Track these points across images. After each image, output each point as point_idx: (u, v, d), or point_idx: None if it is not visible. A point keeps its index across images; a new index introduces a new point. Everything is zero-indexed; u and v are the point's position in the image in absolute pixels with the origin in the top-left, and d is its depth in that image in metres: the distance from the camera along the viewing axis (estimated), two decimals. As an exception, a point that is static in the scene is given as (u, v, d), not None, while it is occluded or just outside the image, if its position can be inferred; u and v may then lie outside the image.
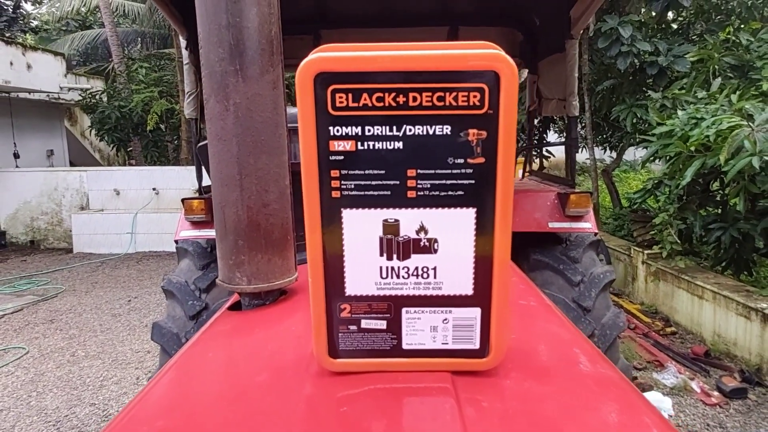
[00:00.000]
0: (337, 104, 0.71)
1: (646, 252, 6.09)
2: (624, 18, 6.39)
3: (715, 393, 4.19)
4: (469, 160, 0.73)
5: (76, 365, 4.98)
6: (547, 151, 8.28)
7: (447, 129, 0.72)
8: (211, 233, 3.06)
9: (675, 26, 7.37)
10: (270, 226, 1.26)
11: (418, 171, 0.74)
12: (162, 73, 13.17)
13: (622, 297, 6.43)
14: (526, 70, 4.34)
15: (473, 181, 0.74)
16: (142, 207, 10.07)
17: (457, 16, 4.06)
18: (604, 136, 8.35)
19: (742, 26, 6.55)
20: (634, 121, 6.63)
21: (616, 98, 7.10)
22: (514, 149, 0.73)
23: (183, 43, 3.41)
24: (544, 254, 3.11)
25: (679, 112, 5.16)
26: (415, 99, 0.71)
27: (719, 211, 5.52)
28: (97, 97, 12.44)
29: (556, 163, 8.97)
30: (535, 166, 8.24)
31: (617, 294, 6.51)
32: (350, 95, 0.71)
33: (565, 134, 3.78)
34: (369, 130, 0.72)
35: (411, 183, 0.74)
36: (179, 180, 10.13)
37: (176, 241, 3.26)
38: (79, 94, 12.50)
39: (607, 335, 2.89)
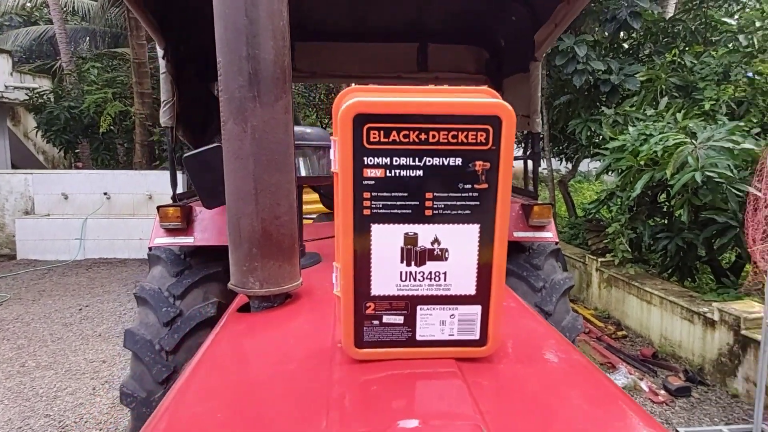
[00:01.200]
0: (371, 139, 0.88)
1: (599, 260, 6.44)
2: (579, 37, 6.77)
3: (662, 392, 4.50)
4: (476, 186, 0.91)
5: (27, 376, 4.81)
6: (507, 162, 8.60)
7: (459, 161, 0.90)
8: (186, 240, 3.09)
9: (626, 46, 7.84)
10: (281, 236, 1.41)
11: (434, 194, 0.91)
12: (115, 73, 12.66)
13: (577, 303, 6.77)
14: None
15: (478, 203, 0.92)
16: (92, 212, 9.66)
17: (427, 34, 4.25)
18: (561, 148, 8.75)
19: (687, 49, 7.04)
20: (589, 134, 7.01)
21: (572, 113, 7.47)
22: (510, 177, 0.92)
23: (160, 52, 3.46)
24: (509, 262, 3.27)
25: (630, 128, 5.52)
26: (434, 136, 0.88)
27: (666, 221, 5.90)
28: (45, 96, 11.90)
29: (515, 173, 9.32)
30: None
31: (573, 300, 6.85)
32: (382, 132, 0.87)
33: (524, 147, 4.02)
34: (396, 161, 0.89)
35: (428, 203, 0.92)
36: (132, 185, 9.78)
37: (150, 248, 3.27)
38: (26, 94, 11.90)
39: (566, 337, 3.12)
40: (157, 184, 9.66)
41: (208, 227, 3.01)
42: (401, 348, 0.98)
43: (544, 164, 8.64)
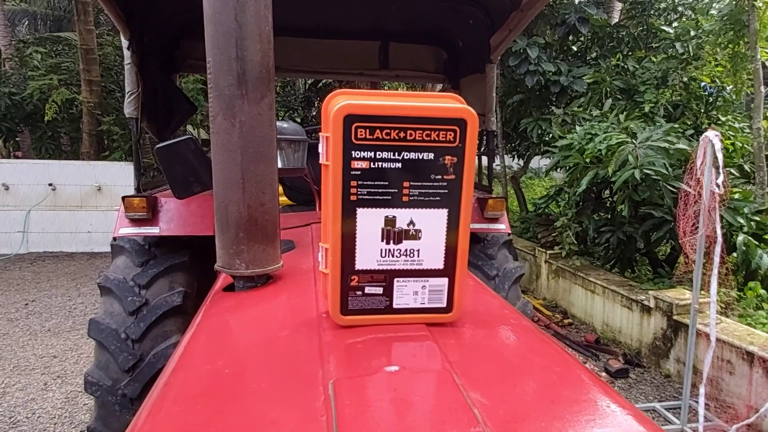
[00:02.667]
0: (358, 136, 1.04)
1: (548, 252, 6.78)
2: (532, 40, 7.10)
3: (603, 374, 4.84)
4: (445, 177, 1.09)
5: (-30, 373, 4.70)
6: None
7: (431, 155, 1.08)
8: (152, 231, 3.13)
9: (575, 49, 8.24)
10: (265, 222, 1.55)
11: (411, 183, 1.09)
12: (60, 59, 12.14)
13: (527, 293, 7.10)
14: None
15: (447, 191, 1.10)
16: (36, 204, 9.22)
17: (389, 33, 4.40)
18: (513, 145, 9.09)
19: (630, 54, 7.48)
20: (540, 133, 7.35)
21: (524, 112, 7.81)
22: (473, 170, 1.10)
23: (125, 42, 3.47)
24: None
25: (578, 128, 5.86)
26: (411, 135, 1.06)
27: (609, 216, 6.28)
28: (-19, 83, 11.29)
29: (469, 169, 9.61)
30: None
31: (524, 291, 7.17)
32: (368, 130, 1.04)
33: (479, 145, 4.24)
34: (379, 155, 1.06)
35: (405, 191, 1.09)
36: (80, 176, 9.35)
37: (114, 238, 3.29)
38: None
39: (517, 321, 3.37)
40: (106, 176, 9.33)
41: (174, 218, 3.06)
42: (380, 315, 1.15)
43: (497, 161, 8.98)
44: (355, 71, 4.70)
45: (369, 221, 1.09)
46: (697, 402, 3.72)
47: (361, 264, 1.12)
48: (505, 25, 3.44)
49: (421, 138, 1.06)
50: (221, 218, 1.54)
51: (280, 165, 2.01)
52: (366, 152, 1.05)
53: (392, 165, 1.07)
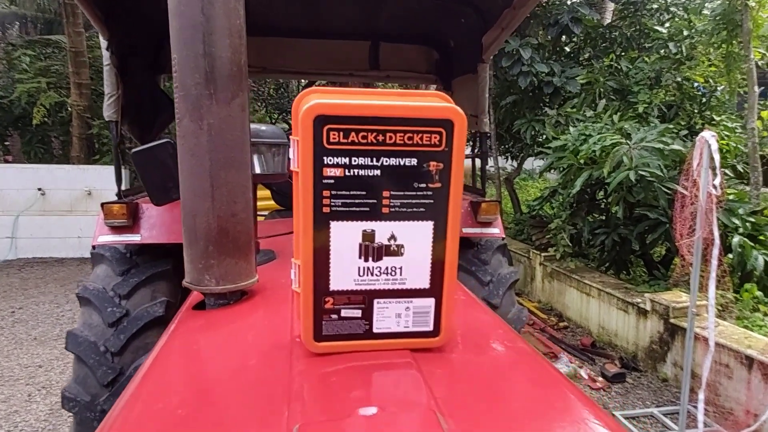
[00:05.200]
0: (331, 140, 0.91)
1: (542, 254, 6.69)
2: (525, 40, 7.00)
3: (600, 378, 4.75)
4: (430, 185, 0.97)
5: (-46, 383, 4.57)
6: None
7: (414, 161, 0.95)
8: (133, 238, 3.02)
9: (568, 50, 8.16)
10: (237, 233, 1.42)
11: (391, 192, 0.96)
12: (49, 62, 11.94)
13: (522, 296, 7.01)
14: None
15: (432, 201, 0.98)
16: (24, 209, 9.07)
17: (379, 33, 4.29)
18: (507, 146, 9.01)
19: (623, 54, 7.40)
20: (533, 134, 7.27)
21: (518, 113, 7.71)
22: (462, 177, 0.97)
23: (104, 43, 3.35)
24: (459, 257, 3.42)
25: (571, 129, 5.77)
26: (390, 138, 0.93)
27: (604, 217, 6.21)
28: (-31, 85, 11.26)
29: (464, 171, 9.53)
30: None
31: (518, 293, 7.07)
32: (341, 133, 0.91)
33: (473, 146, 4.15)
34: (354, 161, 0.93)
35: (385, 201, 0.96)
36: (69, 180, 9.19)
37: (94, 247, 3.17)
38: None
39: (513, 328, 3.26)
40: (96, 180, 9.14)
41: (155, 224, 2.94)
42: (359, 341, 1.03)
43: (490, 162, 8.88)
44: (345, 72, 4.58)
45: (344, 236, 0.97)
46: (695, 407, 3.62)
47: (336, 284, 0.99)
48: (497, 23, 3.34)
49: (402, 141, 0.93)
50: (189, 230, 1.41)
51: (258, 170, 1.87)
52: (340, 158, 0.93)
53: (370, 172, 0.94)
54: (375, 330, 1.03)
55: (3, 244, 8.99)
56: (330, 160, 0.93)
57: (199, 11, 1.32)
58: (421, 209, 0.98)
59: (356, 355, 1.01)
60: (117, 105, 3.37)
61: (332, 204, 0.95)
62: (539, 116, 7.20)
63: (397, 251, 1.00)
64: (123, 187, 3.41)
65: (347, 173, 0.94)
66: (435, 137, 0.94)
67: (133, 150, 2.86)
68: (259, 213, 3.69)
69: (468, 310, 1.39)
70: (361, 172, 0.94)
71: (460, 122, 0.94)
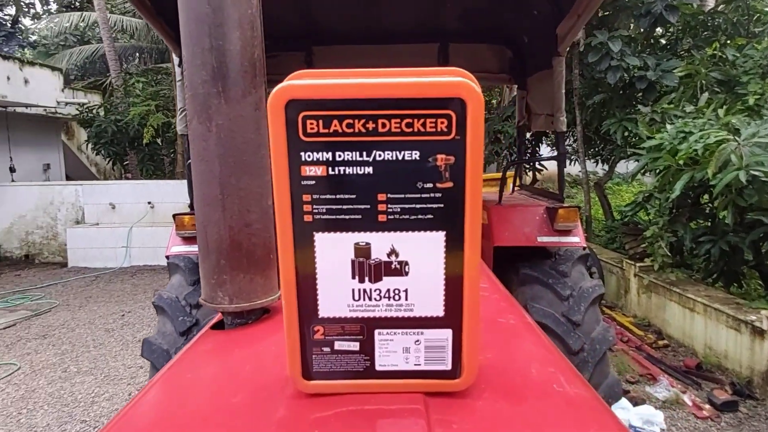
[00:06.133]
0: (308, 130, 0.73)
1: (638, 265, 6.12)
2: (613, 33, 6.48)
3: (707, 406, 4.19)
4: (438, 185, 0.75)
5: (68, 381, 4.93)
6: (540, 164, 8.35)
7: (416, 154, 0.74)
8: None
9: (663, 41, 7.48)
10: (252, 246, 1.27)
11: (389, 195, 0.75)
12: (159, 87, 13.20)
13: (615, 310, 6.44)
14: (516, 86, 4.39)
15: (442, 205, 0.76)
16: (137, 221, 10.02)
17: (447, 34, 4.11)
18: (596, 149, 8.42)
19: (728, 42, 6.65)
20: (625, 134, 6.70)
21: (607, 112, 7.17)
22: (481, 173, 0.75)
23: (176, 60, 3.43)
24: (533, 268, 3.13)
25: (668, 126, 5.21)
26: (384, 125, 0.73)
27: (709, 223, 5.56)
28: (94, 111, 12.46)
29: (549, 175, 9.03)
30: (528, 179, 8.29)
31: (610, 307, 6.53)
32: (321, 122, 0.72)
33: (554, 148, 3.83)
34: (339, 156, 0.74)
35: (381, 207, 0.76)
36: (175, 194, 10.08)
37: (167, 257, 3.26)
38: (77, 109, 12.54)
39: (596, 350, 2.90)
40: (198, 193, 9.99)
41: None
42: (358, 380, 0.82)
43: (577, 166, 8.33)
44: None
45: (332, 251, 0.77)
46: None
47: (326, 310, 0.80)
48: (572, 10, 3.03)
49: (399, 129, 0.73)
50: (201, 242, 1.28)
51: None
52: (320, 153, 0.74)
53: (360, 170, 0.74)
54: (378, 367, 0.82)
55: (119, 253, 9.87)
56: (309, 156, 0.74)
57: (205, 2, 1.20)
58: (429, 216, 0.76)
59: (354, 397, 0.81)
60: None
61: (315, 211, 0.76)
62: (631, 115, 6.61)
63: (400, 270, 0.78)
64: None
65: (331, 171, 0.74)
66: (442, 122, 0.72)
67: (189, 161, 2.87)
68: None
69: (515, 339, 1.14)
70: (349, 170, 0.74)
71: (476, 102, 0.72)
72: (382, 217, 0.76)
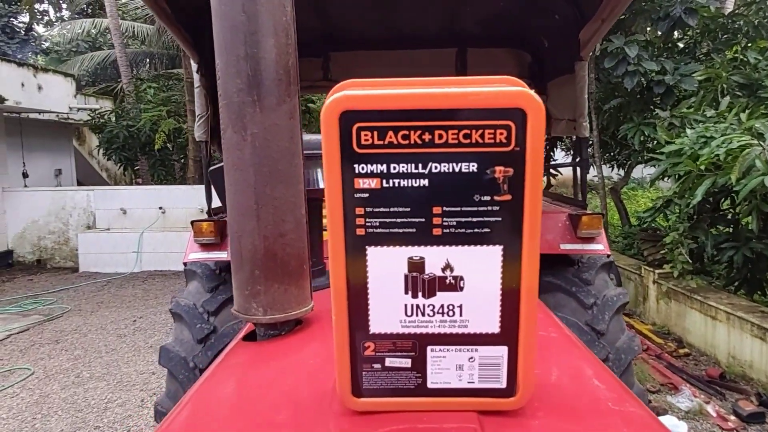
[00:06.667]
0: (363, 142, 0.71)
1: (657, 271, 6.03)
2: (630, 38, 6.42)
3: (732, 417, 4.10)
4: (496, 198, 0.72)
5: (81, 387, 4.95)
6: (555, 169, 8.28)
7: (473, 166, 0.72)
8: (220, 255, 3.06)
9: (681, 45, 7.40)
10: (286, 256, 1.25)
11: (444, 208, 0.73)
12: (170, 93, 13.29)
13: (633, 317, 6.36)
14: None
15: (500, 219, 0.73)
16: (148, 226, 10.07)
17: (466, 38, 4.08)
18: (612, 154, 8.34)
19: (750, 45, 6.56)
20: (642, 139, 6.62)
21: (624, 117, 7.10)
22: (540, 186, 0.72)
23: (194, 66, 3.44)
24: (556, 276, 3.08)
25: (688, 131, 5.14)
26: (440, 136, 0.70)
27: (731, 230, 5.47)
28: (106, 116, 12.56)
29: (563, 181, 8.96)
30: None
31: (628, 314, 6.44)
32: (375, 133, 0.70)
33: (573, 154, 3.78)
34: (394, 168, 0.72)
35: (436, 220, 0.73)
36: (186, 199, 10.12)
37: (185, 264, 3.25)
38: (88, 114, 12.64)
39: (621, 359, 2.85)
40: (210, 199, 10.00)
41: None
42: (409, 397, 0.80)
43: (594, 171, 8.26)
44: None
45: (385, 265, 0.75)
46: None
47: (377, 326, 0.78)
48: (596, 15, 2.99)
49: (456, 141, 0.70)
50: (235, 252, 1.26)
51: (322, 185, 1.71)
52: (375, 165, 0.72)
53: (415, 182, 0.72)
54: (430, 385, 0.80)
55: (130, 258, 9.91)
56: (363, 169, 0.72)
57: (240, 10, 1.18)
58: (486, 230, 0.73)
59: (406, 415, 0.79)
60: (206, 125, 3.45)
61: (368, 224, 0.73)
62: (649, 119, 6.54)
63: (455, 285, 0.76)
64: (214, 206, 3.47)
65: (385, 184, 0.72)
66: (501, 133, 0.70)
67: (211, 168, 2.87)
68: None
69: (560, 354, 1.11)
70: (404, 183, 0.72)
71: (536, 112, 0.69)
72: (437, 231, 0.74)
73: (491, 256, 0.74)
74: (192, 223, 3.14)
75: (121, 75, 13.57)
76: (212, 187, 3.26)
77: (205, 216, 3.55)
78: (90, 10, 20.15)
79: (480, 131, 0.70)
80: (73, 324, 6.82)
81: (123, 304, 7.71)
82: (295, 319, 1.32)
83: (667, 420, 3.95)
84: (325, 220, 2.16)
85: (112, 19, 13.18)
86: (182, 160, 12.80)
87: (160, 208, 10.18)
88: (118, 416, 4.40)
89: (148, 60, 17.65)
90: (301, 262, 1.30)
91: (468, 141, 0.70)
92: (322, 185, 1.81)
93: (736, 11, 7.12)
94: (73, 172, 13.90)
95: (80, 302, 7.87)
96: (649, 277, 6.16)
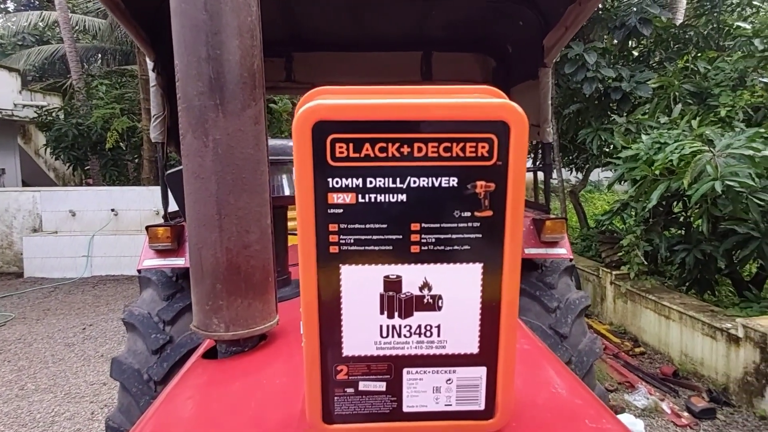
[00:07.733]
0: (337, 155, 0.66)
1: (614, 273, 6.19)
2: (589, 45, 6.57)
3: (685, 413, 4.23)
4: (476, 214, 0.69)
5: (26, 400, 4.68)
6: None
7: (453, 181, 0.68)
8: (177, 262, 2.94)
9: (636, 53, 7.63)
10: (251, 269, 1.19)
11: (423, 225, 0.70)
12: (123, 90, 12.84)
13: (591, 317, 6.50)
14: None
15: (480, 236, 0.70)
16: (99, 229, 9.64)
17: (431, 42, 4.07)
18: (571, 157, 8.53)
19: (700, 55, 6.82)
20: (600, 144, 6.79)
21: (582, 122, 7.27)
22: (522, 202, 0.70)
23: (150, 64, 3.31)
24: (520, 280, 3.11)
25: (644, 137, 5.30)
26: (420, 149, 0.67)
27: (683, 232, 5.66)
28: (54, 114, 12.04)
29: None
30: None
31: (587, 315, 6.58)
32: (351, 145, 0.66)
33: (535, 158, 3.82)
34: (371, 182, 0.68)
35: (414, 237, 0.70)
36: (140, 201, 9.76)
37: (139, 271, 3.11)
38: (35, 111, 12.07)
39: (584, 362, 2.89)
40: (164, 201, 9.66)
41: None
42: (383, 422, 0.76)
43: (553, 175, 8.43)
44: (396, 84, 4.37)
45: (359, 284, 0.71)
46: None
47: (351, 348, 0.73)
48: (560, 22, 3.03)
49: (436, 154, 0.67)
50: (195, 265, 1.20)
51: (288, 192, 1.66)
52: (350, 179, 0.67)
53: (392, 198, 0.68)
54: (405, 409, 0.76)
55: (80, 262, 9.47)
56: (337, 183, 0.67)
57: (201, 9, 1.12)
58: (466, 247, 0.70)
59: None
60: (163, 126, 3.34)
61: (342, 241, 0.69)
62: (606, 125, 6.72)
63: (433, 304, 0.72)
64: (170, 210, 3.34)
65: (361, 199, 0.68)
66: (483, 147, 0.67)
67: (168, 172, 2.76)
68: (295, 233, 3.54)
69: (535, 368, 1.09)
70: (381, 198, 0.68)
71: (519, 125, 0.67)
72: (415, 248, 0.70)
73: (471, 274, 0.71)
74: (147, 228, 3.01)
75: (71, 71, 12.96)
76: (169, 191, 3.14)
77: (161, 220, 3.42)
78: (37, 2, 19.29)
79: (461, 144, 0.67)
80: (16, 333, 6.46)
81: (72, 311, 7.35)
82: (258, 334, 1.26)
83: (624, 418, 4.04)
84: (290, 224, 2.10)
85: (62, 11, 12.59)
86: (136, 160, 12.36)
87: (112, 210, 9.78)
88: (65, 430, 4.19)
89: (100, 55, 16.97)
90: (266, 275, 1.24)
91: (448, 154, 0.67)
92: (287, 192, 1.75)
93: (687, 22, 7.39)
94: (18, 171, 13.24)
95: (25, 309, 7.47)
96: (607, 279, 6.32)
